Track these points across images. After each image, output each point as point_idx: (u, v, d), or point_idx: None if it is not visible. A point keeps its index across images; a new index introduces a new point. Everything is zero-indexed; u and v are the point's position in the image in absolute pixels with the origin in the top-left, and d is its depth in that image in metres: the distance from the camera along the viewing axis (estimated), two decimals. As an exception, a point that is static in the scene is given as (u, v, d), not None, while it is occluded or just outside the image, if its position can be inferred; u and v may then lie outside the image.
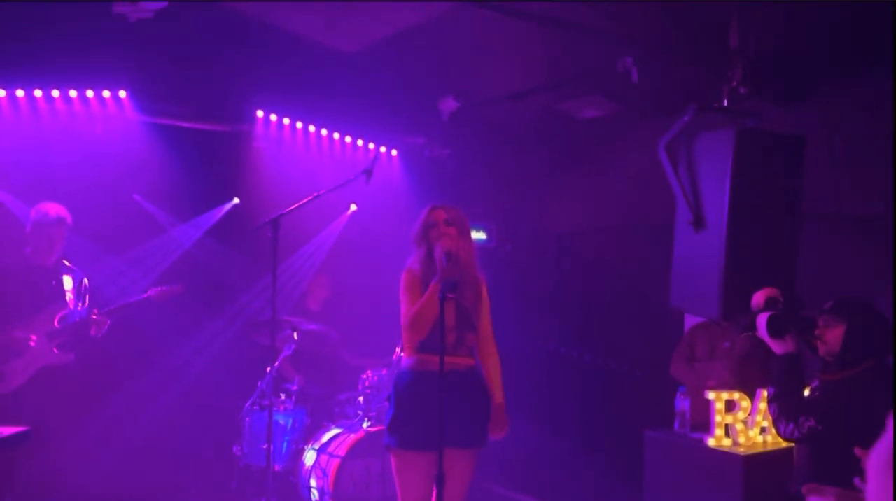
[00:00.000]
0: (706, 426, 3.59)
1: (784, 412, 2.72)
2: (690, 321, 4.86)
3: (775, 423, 2.77)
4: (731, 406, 3.51)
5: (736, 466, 3.33)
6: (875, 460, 1.40)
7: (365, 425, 4.68)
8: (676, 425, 3.82)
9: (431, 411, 2.84)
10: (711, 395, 3.53)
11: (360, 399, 4.83)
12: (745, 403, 3.51)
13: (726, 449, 3.44)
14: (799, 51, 4.04)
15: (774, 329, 2.78)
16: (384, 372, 4.95)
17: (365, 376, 4.93)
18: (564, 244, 6.19)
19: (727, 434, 3.49)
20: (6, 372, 4.01)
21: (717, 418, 3.49)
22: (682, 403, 3.80)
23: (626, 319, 5.42)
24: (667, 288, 3.76)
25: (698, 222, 3.51)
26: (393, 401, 3.15)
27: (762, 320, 2.81)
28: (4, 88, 4.48)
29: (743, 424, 3.47)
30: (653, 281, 4.65)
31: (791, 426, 2.69)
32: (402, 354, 3.22)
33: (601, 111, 5.52)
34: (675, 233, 3.69)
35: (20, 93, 4.53)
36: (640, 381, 5.18)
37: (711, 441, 3.50)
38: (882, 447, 1.40)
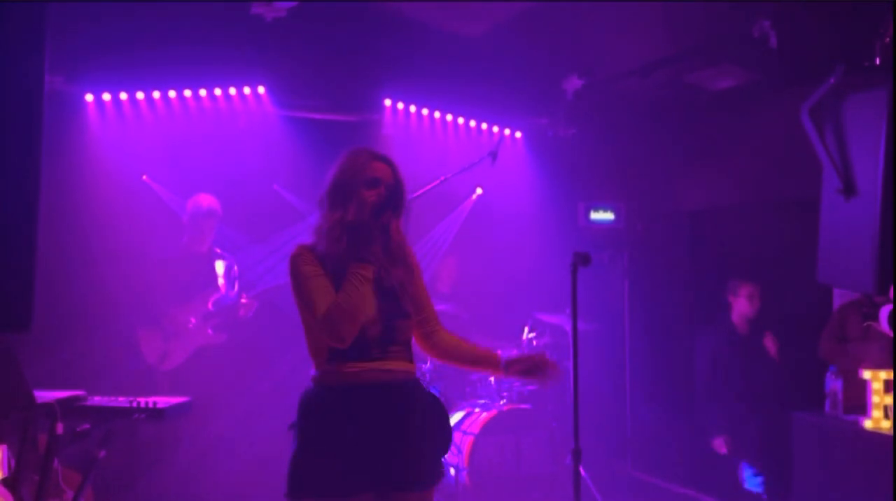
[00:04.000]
0: (861, 407, 3.37)
1: None
2: (839, 299, 4.57)
3: None
4: (890, 386, 3.28)
5: (897, 450, 3.10)
6: None
7: (497, 404, 4.73)
8: (827, 406, 3.62)
9: (361, 441, 2.13)
10: (868, 375, 3.31)
11: (491, 378, 4.89)
12: (906, 383, 3.27)
13: (886, 432, 3.21)
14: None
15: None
16: (514, 352, 4.97)
17: (495, 356, 4.98)
18: (699, 222, 5.96)
19: (886, 416, 3.26)
20: (169, 351, 4.38)
21: (876, 399, 3.27)
22: (834, 383, 3.58)
23: (770, 297, 5.15)
24: (812, 265, 3.55)
25: (848, 189, 3.28)
26: (298, 432, 2.22)
27: (885, 313, 2.66)
28: (159, 91, 4.86)
29: (904, 405, 3.24)
30: (796, 258, 4.40)
31: None
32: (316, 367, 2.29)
33: (735, 81, 5.26)
34: (821, 203, 3.47)
35: (172, 94, 4.90)
36: (786, 361, 4.91)
37: (868, 424, 3.28)
38: None
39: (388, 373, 2.20)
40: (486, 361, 2.45)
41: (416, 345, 2.40)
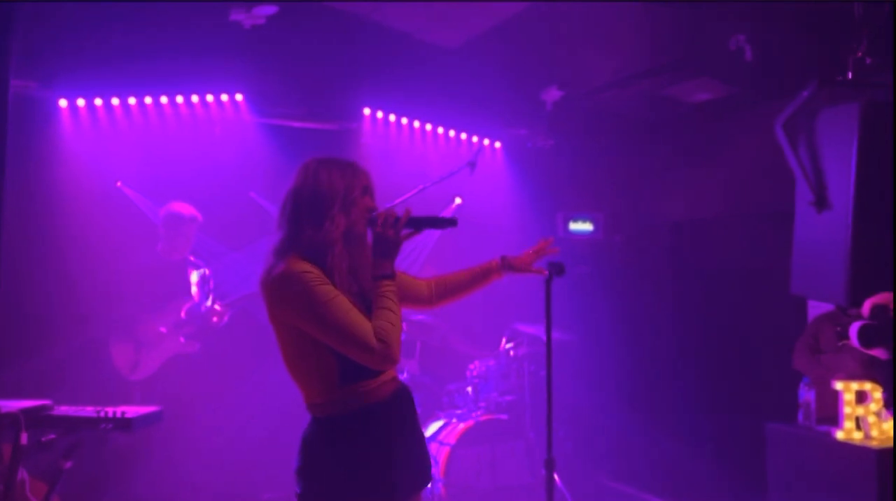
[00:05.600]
0: (833, 418, 3.39)
1: None
2: (814, 310, 4.61)
3: None
4: (862, 397, 3.30)
5: (869, 460, 3.12)
6: None
7: (474, 414, 4.71)
8: (800, 417, 3.63)
9: (404, 453, 2.11)
10: (840, 386, 3.33)
11: (469, 389, 4.87)
12: (878, 394, 3.29)
13: (857, 443, 3.23)
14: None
15: (865, 340, 2.67)
16: (491, 362, 4.97)
17: (473, 366, 4.97)
18: (679, 233, 6.00)
19: (858, 427, 3.28)
20: (141, 360, 4.31)
21: (847, 410, 3.29)
22: (807, 394, 3.60)
23: (746, 309, 5.19)
24: (787, 276, 3.58)
25: (821, 202, 3.30)
26: (332, 469, 2.04)
27: (854, 329, 2.71)
28: (135, 97, 4.81)
29: (876, 416, 3.26)
30: (773, 269, 4.44)
31: None
32: (319, 400, 2.10)
33: (713, 94, 5.31)
34: (795, 215, 3.50)
35: (148, 100, 4.85)
36: (760, 372, 4.95)
37: (840, 435, 3.30)
38: None
39: (394, 382, 2.17)
40: (485, 273, 2.53)
41: (422, 311, 2.43)
